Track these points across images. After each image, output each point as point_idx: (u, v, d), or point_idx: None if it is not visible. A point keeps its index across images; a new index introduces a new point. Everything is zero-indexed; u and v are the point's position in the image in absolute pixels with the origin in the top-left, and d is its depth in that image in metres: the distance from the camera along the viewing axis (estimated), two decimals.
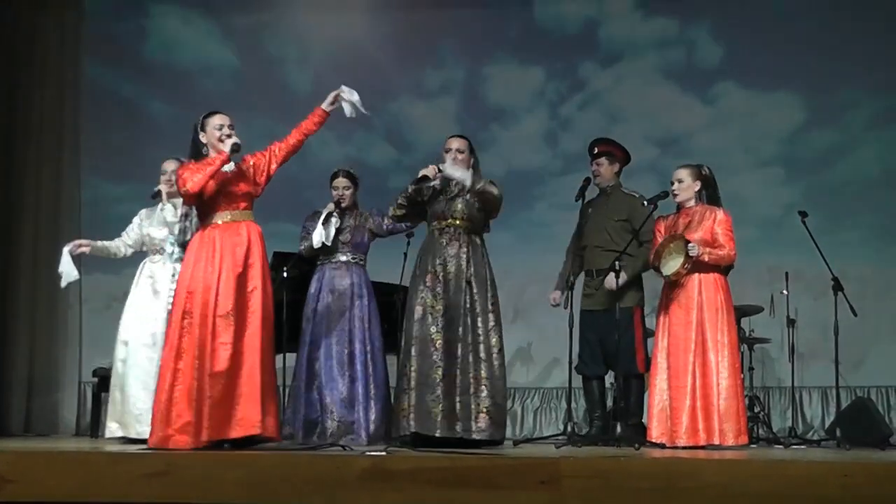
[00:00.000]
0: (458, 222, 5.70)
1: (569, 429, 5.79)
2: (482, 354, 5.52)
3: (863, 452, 5.65)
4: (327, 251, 6.29)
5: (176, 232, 5.94)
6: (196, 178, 5.06)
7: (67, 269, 5.94)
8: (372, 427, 6.04)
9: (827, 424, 7.39)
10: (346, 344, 6.17)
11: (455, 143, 5.79)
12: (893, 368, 7.63)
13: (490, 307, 5.62)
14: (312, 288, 6.33)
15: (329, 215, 6.25)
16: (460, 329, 5.53)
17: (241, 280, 5.07)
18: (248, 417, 4.94)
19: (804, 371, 7.52)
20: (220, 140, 5.15)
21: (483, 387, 5.47)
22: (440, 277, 5.60)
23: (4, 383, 8.16)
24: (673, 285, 5.73)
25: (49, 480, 4.20)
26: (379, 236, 6.42)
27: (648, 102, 8.73)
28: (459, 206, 5.71)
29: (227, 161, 5.14)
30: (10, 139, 8.42)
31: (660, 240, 5.79)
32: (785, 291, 7.19)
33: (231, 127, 5.20)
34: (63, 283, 6.00)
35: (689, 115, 8.70)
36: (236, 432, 4.93)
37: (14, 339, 8.29)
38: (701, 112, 8.74)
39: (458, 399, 5.45)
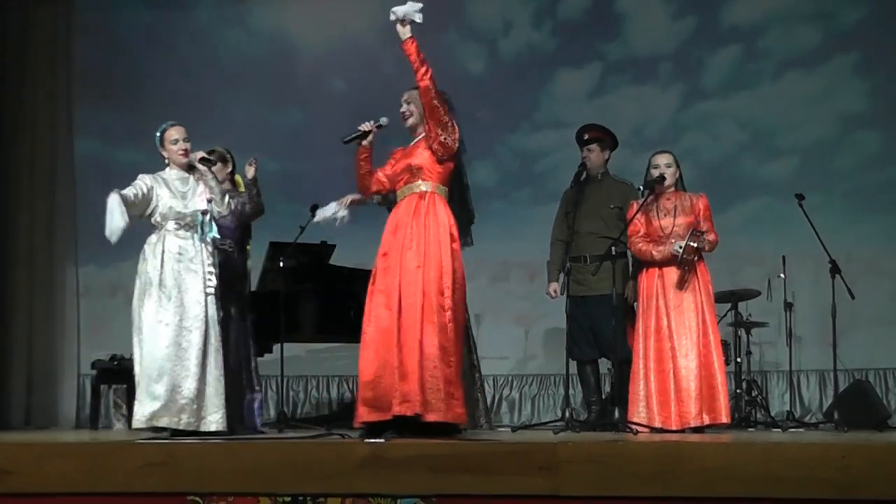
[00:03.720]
0: None
1: (567, 414, 5.80)
2: None
3: (861, 435, 5.67)
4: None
5: (217, 207, 5.35)
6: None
7: (115, 224, 5.06)
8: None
9: (825, 407, 7.39)
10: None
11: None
12: (891, 351, 7.63)
13: None
14: None
15: None
16: None
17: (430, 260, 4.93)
18: (455, 405, 4.86)
19: (802, 354, 7.53)
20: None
21: None
22: None
23: (4, 377, 8.16)
24: (665, 270, 5.80)
25: (50, 472, 4.21)
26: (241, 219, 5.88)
27: None
28: None
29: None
30: (2, 134, 8.39)
31: (640, 227, 5.89)
32: (782, 275, 7.18)
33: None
34: (114, 238, 5.07)
35: None
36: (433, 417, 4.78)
37: (13, 334, 8.27)
38: None
39: None
